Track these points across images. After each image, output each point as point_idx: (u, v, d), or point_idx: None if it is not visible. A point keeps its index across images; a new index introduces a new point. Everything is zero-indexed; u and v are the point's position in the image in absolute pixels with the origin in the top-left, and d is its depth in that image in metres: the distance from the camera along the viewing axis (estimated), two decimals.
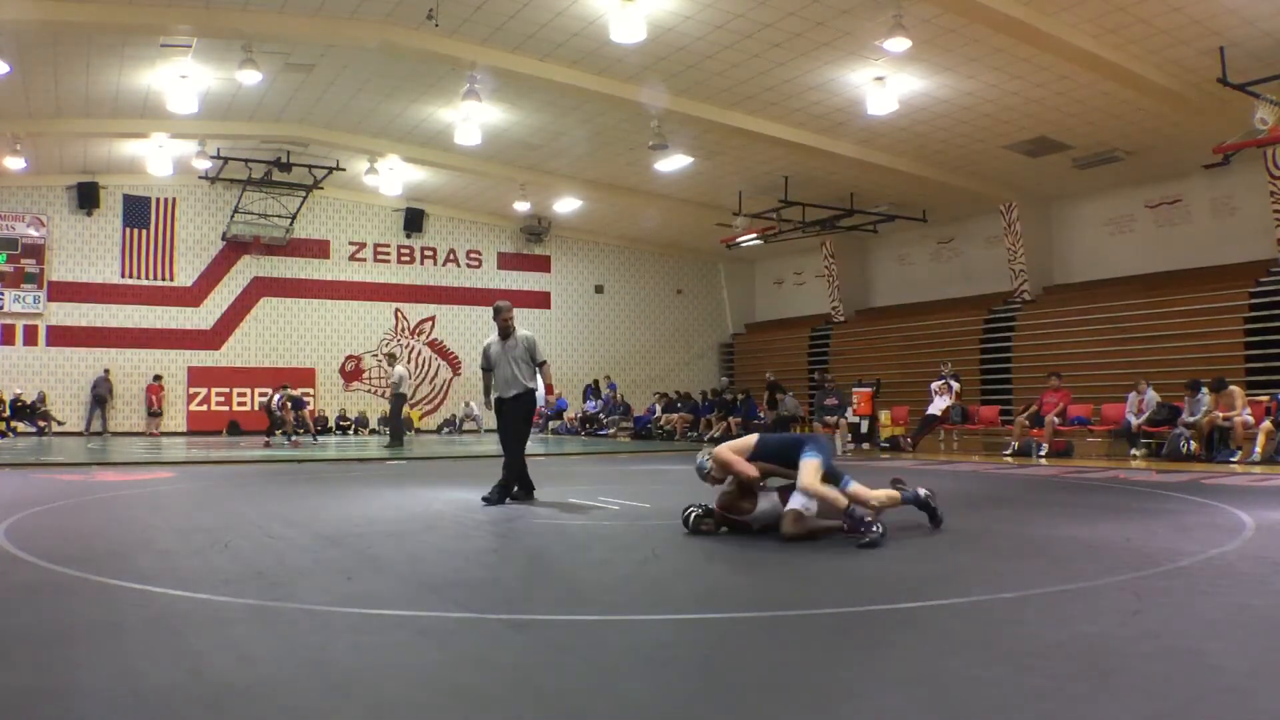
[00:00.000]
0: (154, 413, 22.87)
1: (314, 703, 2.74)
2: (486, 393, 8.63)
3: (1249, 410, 13.12)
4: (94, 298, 22.67)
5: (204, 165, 20.60)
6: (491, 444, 14.75)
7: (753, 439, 6.17)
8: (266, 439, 18.74)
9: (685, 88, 16.04)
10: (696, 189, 22.35)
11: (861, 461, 14.77)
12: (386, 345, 25.17)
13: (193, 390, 23.39)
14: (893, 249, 25.07)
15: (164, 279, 23.33)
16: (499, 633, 3.60)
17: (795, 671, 3.06)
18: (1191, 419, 13.56)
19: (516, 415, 8.41)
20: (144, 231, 23.12)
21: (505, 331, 8.44)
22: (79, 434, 21.75)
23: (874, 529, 5.50)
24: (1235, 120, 13.87)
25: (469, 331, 26.41)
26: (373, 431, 24.54)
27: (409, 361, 25.72)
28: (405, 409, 25.26)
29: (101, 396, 22.09)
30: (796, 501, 5.68)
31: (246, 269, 24.09)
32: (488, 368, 8.54)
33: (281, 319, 24.53)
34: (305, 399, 21.69)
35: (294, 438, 18.90)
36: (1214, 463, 12.61)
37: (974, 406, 18.59)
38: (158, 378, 22.93)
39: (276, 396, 19.12)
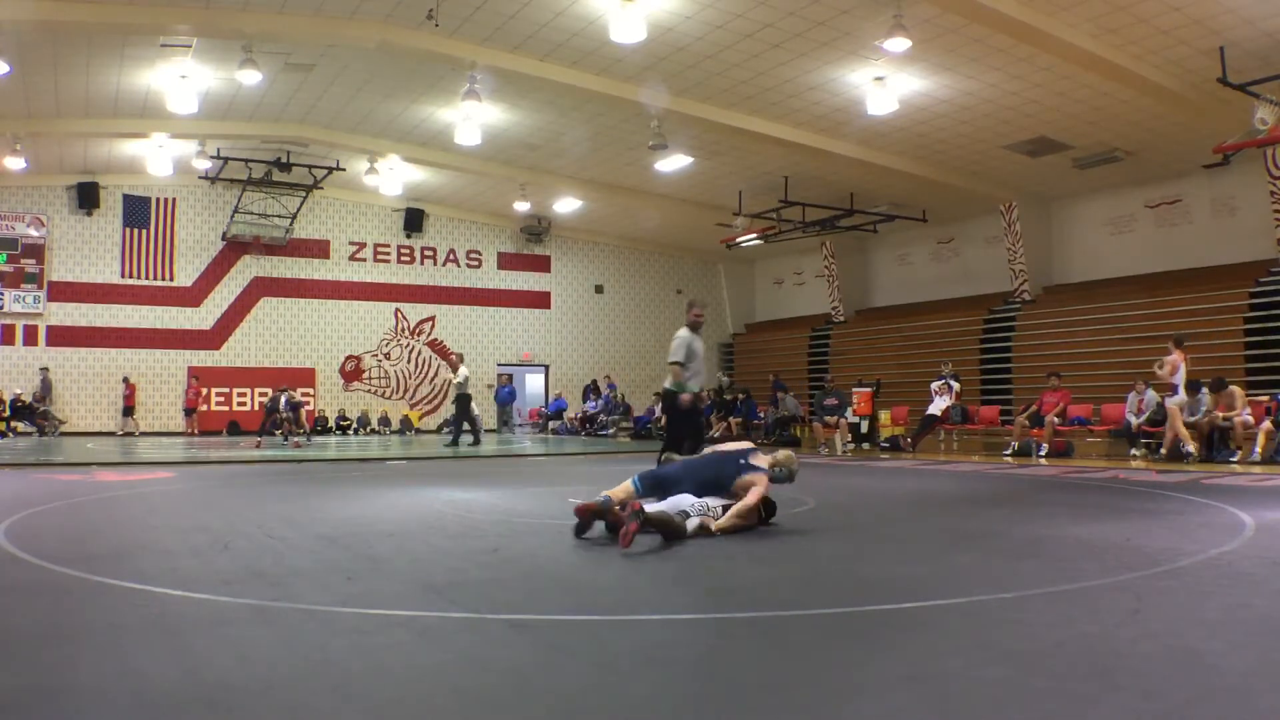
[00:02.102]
0: (188, 410, 22.89)
1: (314, 703, 2.74)
2: (682, 388, 8.10)
3: (1249, 410, 13.13)
4: (94, 298, 22.68)
5: (204, 165, 20.61)
6: (491, 444, 14.69)
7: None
8: (259, 439, 18.73)
9: (685, 88, 16.04)
10: (696, 189, 22.34)
11: (861, 461, 14.78)
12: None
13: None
14: (893, 249, 25.06)
15: (164, 279, 23.33)
16: (499, 633, 3.59)
17: (795, 671, 3.06)
18: (1191, 419, 13.56)
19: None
20: (144, 231, 23.13)
21: (697, 328, 8.38)
22: (83, 434, 21.74)
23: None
24: (1235, 120, 13.88)
25: (469, 331, 26.41)
26: (372, 431, 24.54)
27: (409, 361, 25.73)
28: (408, 410, 25.40)
29: (38, 396, 21.74)
30: (688, 507, 6.09)
31: (246, 269, 24.10)
32: (685, 360, 8.15)
33: (281, 319, 24.53)
34: (302, 401, 21.71)
35: (294, 439, 18.89)
36: (1214, 463, 12.61)
37: (974, 406, 18.60)
38: (126, 379, 22.59)
39: (283, 398, 19.11)
